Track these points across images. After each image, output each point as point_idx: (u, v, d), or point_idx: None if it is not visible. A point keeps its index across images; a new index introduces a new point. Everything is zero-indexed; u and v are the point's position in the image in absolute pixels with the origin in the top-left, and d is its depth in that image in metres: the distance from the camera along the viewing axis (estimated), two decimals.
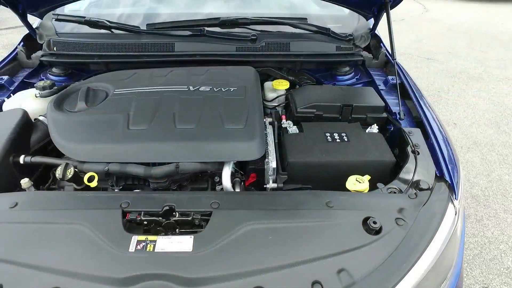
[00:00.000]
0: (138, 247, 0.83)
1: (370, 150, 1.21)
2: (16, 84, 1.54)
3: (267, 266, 0.80)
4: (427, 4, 7.99)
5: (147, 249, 0.83)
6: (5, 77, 1.53)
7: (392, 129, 1.39)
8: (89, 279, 0.77)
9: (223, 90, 1.28)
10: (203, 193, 1.02)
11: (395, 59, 1.47)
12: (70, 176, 1.05)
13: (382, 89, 1.58)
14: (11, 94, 1.44)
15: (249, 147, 1.06)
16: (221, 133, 1.08)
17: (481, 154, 2.87)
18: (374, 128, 1.36)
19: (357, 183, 1.12)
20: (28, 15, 1.61)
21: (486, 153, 2.88)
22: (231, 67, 1.46)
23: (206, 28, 1.57)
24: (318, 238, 0.88)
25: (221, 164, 1.10)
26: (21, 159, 1.12)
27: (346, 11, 1.93)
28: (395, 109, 1.44)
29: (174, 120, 1.12)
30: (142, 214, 0.91)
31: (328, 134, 1.27)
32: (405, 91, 1.49)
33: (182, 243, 0.84)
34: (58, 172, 1.05)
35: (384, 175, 1.22)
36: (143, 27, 1.62)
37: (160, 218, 0.92)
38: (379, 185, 1.12)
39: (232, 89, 1.28)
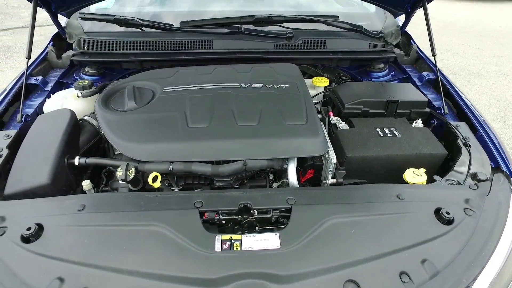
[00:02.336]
0: (224, 246, 0.82)
1: (422, 144, 1.23)
2: (51, 84, 1.49)
3: (355, 259, 0.80)
4: None
5: (234, 248, 0.82)
6: (39, 78, 1.48)
7: (435, 123, 1.42)
8: (179, 281, 0.76)
9: (275, 87, 1.27)
10: (275, 190, 1.01)
11: (435, 54, 1.49)
12: (132, 177, 1.03)
13: (418, 85, 1.60)
14: (50, 95, 1.39)
15: (314, 143, 1.06)
16: (284, 129, 1.08)
17: None
18: (419, 123, 1.38)
19: (415, 176, 1.14)
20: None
21: None
22: (274, 65, 1.46)
23: (244, 26, 1.57)
24: (397, 230, 0.89)
25: (284, 161, 1.10)
26: (76, 161, 1.09)
27: (372, 9, 1.96)
28: (435, 104, 1.46)
29: (234, 117, 1.11)
30: (220, 213, 0.90)
31: (378, 129, 1.28)
32: (441, 86, 1.51)
33: (268, 240, 0.83)
34: (120, 173, 1.02)
35: (434, 168, 1.24)
36: (170, 25, 1.60)
37: (239, 216, 0.90)
38: (436, 177, 1.14)
39: (284, 86, 1.28)
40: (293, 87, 1.28)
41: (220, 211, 0.90)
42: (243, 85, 1.27)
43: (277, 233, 0.84)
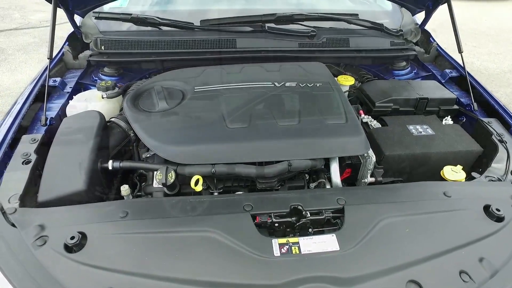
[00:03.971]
0: (283, 250, 0.79)
1: (457, 141, 1.22)
2: (70, 86, 1.43)
3: (414, 259, 0.79)
4: None
5: (293, 252, 0.79)
6: (58, 79, 1.42)
7: (463, 120, 1.42)
8: None
9: (309, 85, 1.25)
10: (323, 191, 0.98)
11: (462, 51, 1.49)
12: (172, 180, 0.99)
13: (442, 82, 1.60)
14: (73, 96, 1.34)
15: (357, 142, 1.04)
16: (326, 129, 1.06)
17: None
18: (449, 120, 1.38)
19: (454, 173, 1.13)
20: None
21: None
22: (302, 63, 1.43)
23: (266, 24, 1.54)
24: (449, 228, 0.87)
25: (325, 161, 1.08)
26: (110, 165, 1.04)
27: (389, 7, 1.96)
28: (462, 100, 1.47)
29: (273, 116, 1.08)
30: (272, 216, 0.87)
31: (411, 127, 1.27)
32: (469, 83, 1.51)
33: (326, 242, 0.81)
34: (159, 177, 0.98)
35: (469, 165, 1.24)
36: (190, 23, 1.55)
37: (293, 219, 0.88)
38: (475, 174, 1.14)
39: (318, 84, 1.25)
40: (327, 86, 1.26)
41: (272, 214, 0.87)
42: (276, 84, 1.24)
43: (334, 235, 0.82)
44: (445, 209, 0.93)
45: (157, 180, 0.98)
